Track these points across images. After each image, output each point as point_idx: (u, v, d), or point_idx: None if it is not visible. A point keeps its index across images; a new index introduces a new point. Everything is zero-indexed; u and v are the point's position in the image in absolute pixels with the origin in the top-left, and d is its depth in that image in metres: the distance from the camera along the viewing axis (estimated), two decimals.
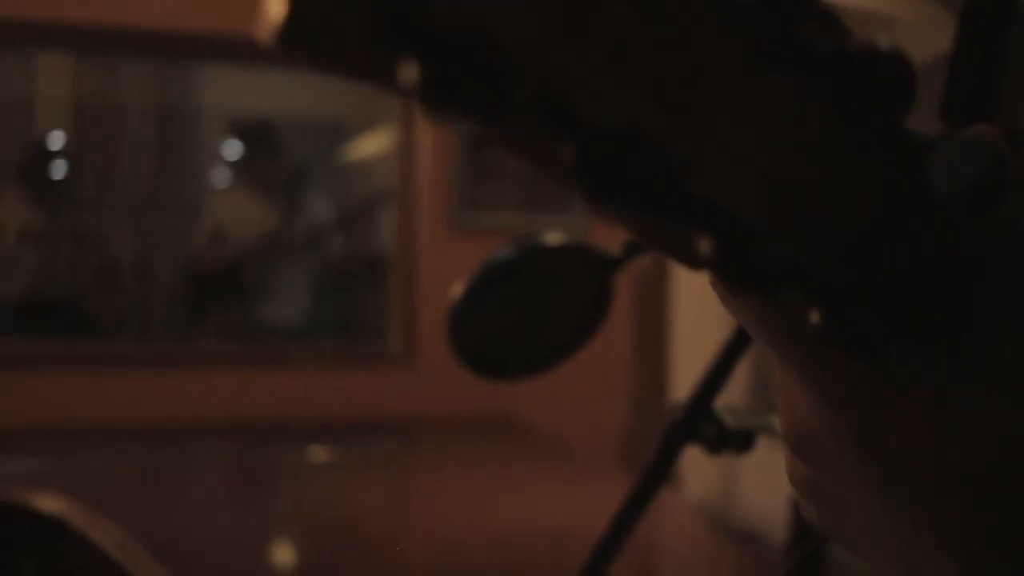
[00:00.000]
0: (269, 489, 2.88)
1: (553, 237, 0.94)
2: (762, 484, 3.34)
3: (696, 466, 3.63)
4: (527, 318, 0.95)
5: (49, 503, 2.33)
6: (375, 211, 4.42)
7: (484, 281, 0.90)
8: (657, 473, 0.91)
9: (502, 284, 0.92)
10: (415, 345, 3.80)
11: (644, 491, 0.92)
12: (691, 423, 0.88)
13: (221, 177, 5.82)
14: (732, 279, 0.28)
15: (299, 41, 0.22)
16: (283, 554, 2.30)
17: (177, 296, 5.20)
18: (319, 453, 3.24)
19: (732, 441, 0.89)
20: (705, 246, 0.28)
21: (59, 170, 4.64)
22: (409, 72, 0.23)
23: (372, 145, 5.48)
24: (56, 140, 4.73)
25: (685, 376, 3.62)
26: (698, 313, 3.20)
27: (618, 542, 0.93)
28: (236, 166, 4.60)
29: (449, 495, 2.73)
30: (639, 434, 3.52)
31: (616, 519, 0.93)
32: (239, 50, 3.73)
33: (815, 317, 0.30)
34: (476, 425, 3.56)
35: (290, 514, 2.60)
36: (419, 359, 3.81)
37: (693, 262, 0.28)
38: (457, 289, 0.94)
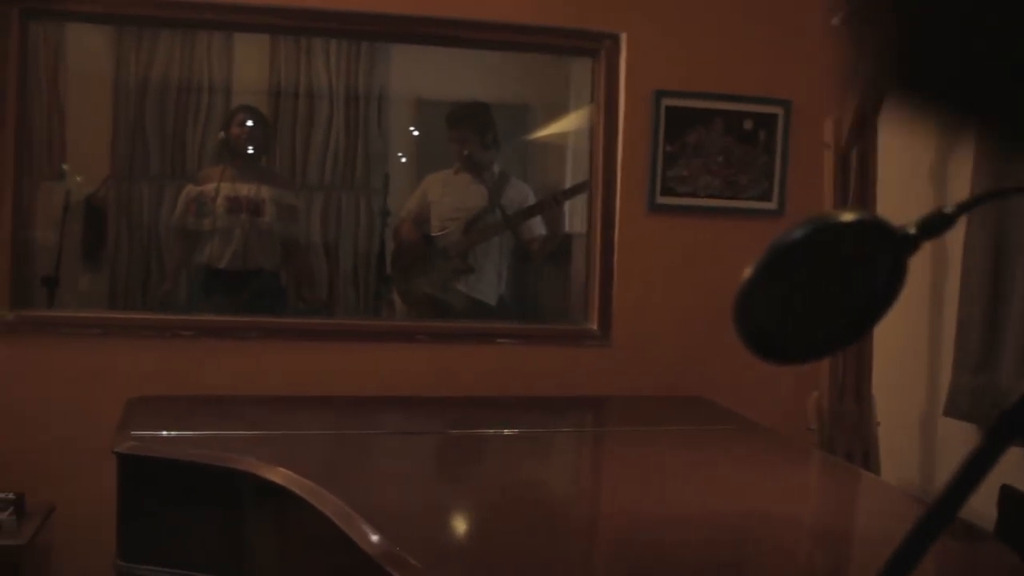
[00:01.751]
0: (464, 462, 2.91)
1: (847, 215, 0.91)
2: None
3: (895, 452, 3.53)
4: (816, 299, 0.92)
5: (273, 472, 2.42)
6: (574, 196, 4.42)
7: (773, 262, 0.88)
8: (979, 468, 0.87)
9: (791, 265, 0.90)
10: (611, 324, 3.80)
11: (962, 487, 0.88)
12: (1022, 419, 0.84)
13: (410, 156, 5.93)
14: None
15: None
16: (476, 526, 2.31)
17: (373, 272, 5.34)
18: (514, 428, 3.27)
19: None
20: None
21: (255, 148, 4.78)
22: None
23: (559, 127, 5.50)
24: (253, 119, 4.86)
25: (885, 362, 3.52)
26: (900, 296, 3.09)
27: (929, 540, 0.90)
28: (453, 146, 4.69)
29: (643, 473, 2.71)
30: (837, 421, 3.44)
31: (928, 515, 0.89)
32: (427, 31, 3.77)
33: None
34: (672, 404, 3.54)
35: (484, 488, 2.63)
36: (615, 338, 3.81)
37: None
38: (745, 271, 0.92)
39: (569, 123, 5.40)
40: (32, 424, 3.49)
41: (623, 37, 3.77)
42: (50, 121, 4.94)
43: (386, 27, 3.77)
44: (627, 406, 3.58)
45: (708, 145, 3.80)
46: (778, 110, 3.83)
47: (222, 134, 4.85)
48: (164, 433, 2.83)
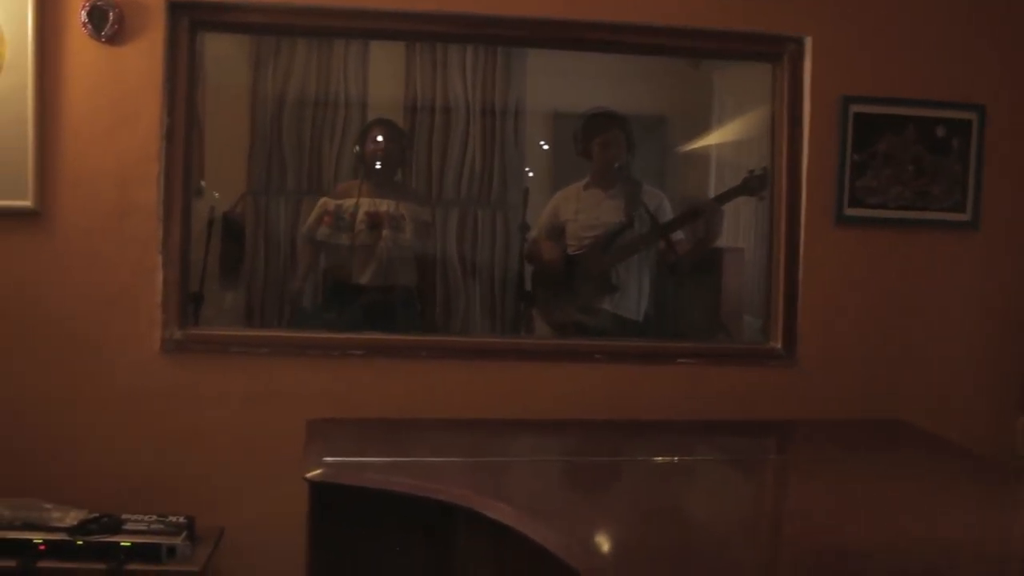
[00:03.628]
0: (658, 489, 2.74)
1: None
2: None
3: None
4: None
5: (490, 505, 2.28)
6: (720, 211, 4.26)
7: None
8: None
9: None
10: (796, 342, 3.62)
11: None
12: None
13: (539, 171, 5.80)
14: None
15: None
16: (681, 552, 2.14)
17: (511, 288, 5.22)
18: (699, 455, 3.09)
19: None
20: None
21: (391, 164, 4.69)
22: None
23: (705, 139, 5.34)
24: (388, 134, 4.76)
25: None
26: None
27: None
28: (586, 159, 4.57)
29: (845, 501, 2.54)
30: None
31: None
32: (588, 36, 3.63)
33: None
34: (868, 428, 3.34)
35: (681, 514, 2.48)
36: (801, 357, 3.63)
37: None
38: None
39: (715, 134, 5.25)
40: (199, 445, 3.41)
41: (808, 41, 3.59)
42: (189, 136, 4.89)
43: (538, 33, 3.64)
44: (818, 430, 3.39)
45: (899, 153, 3.59)
46: (972, 116, 3.62)
47: (357, 148, 4.78)
48: (355, 459, 2.71)
